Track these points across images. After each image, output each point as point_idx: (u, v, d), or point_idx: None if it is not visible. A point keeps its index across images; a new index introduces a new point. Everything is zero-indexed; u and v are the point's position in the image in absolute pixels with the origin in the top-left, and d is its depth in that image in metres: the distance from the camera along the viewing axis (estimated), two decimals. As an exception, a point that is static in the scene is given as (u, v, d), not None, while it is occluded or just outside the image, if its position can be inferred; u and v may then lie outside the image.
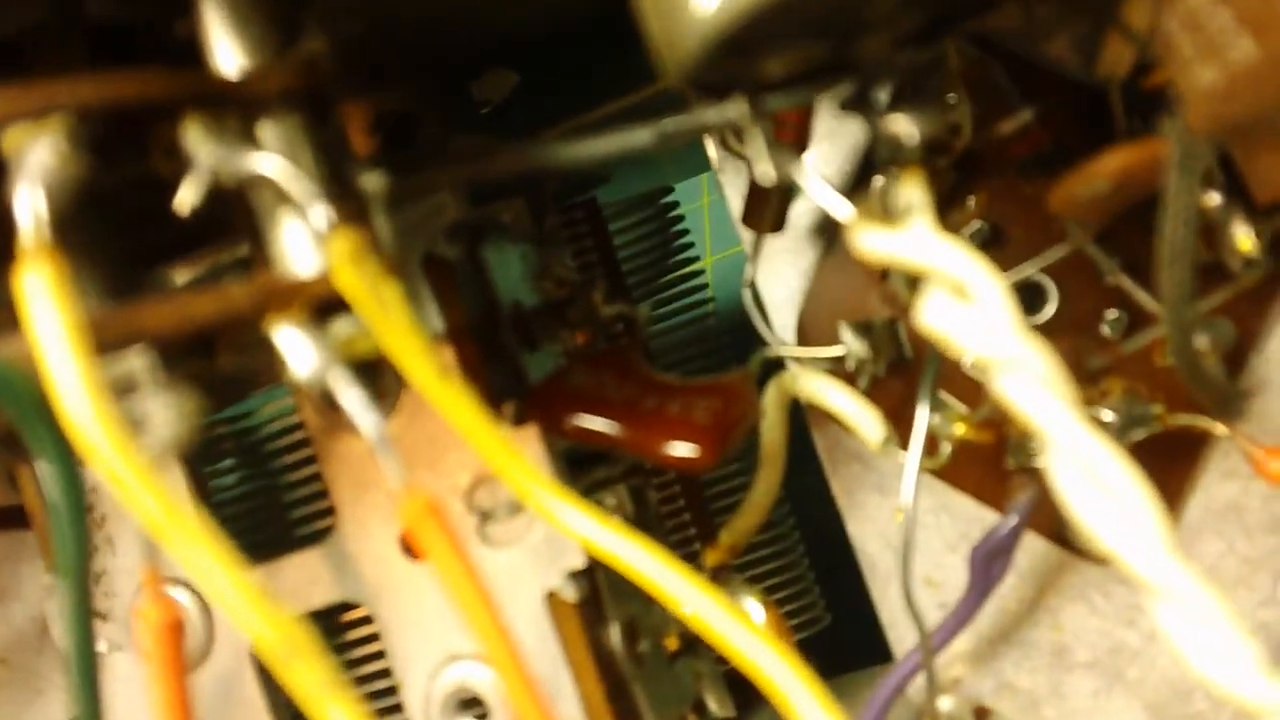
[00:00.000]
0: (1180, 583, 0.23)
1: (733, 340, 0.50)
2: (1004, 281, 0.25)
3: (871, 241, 0.26)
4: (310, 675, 0.22)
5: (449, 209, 0.36)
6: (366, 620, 0.38)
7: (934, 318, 0.25)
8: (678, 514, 0.47)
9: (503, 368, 0.38)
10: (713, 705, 0.41)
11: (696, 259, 0.51)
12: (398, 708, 0.36)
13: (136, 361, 0.24)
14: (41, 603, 0.43)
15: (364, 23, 0.31)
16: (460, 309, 0.36)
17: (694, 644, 0.40)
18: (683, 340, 0.51)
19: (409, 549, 0.36)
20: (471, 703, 0.36)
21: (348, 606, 0.38)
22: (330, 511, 0.38)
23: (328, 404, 0.37)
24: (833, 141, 0.40)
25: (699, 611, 0.25)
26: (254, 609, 0.22)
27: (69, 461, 0.26)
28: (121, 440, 0.22)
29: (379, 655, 0.37)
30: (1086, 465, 0.24)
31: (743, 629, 0.25)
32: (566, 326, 0.42)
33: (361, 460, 0.37)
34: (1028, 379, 0.24)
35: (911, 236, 0.26)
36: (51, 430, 0.25)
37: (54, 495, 0.27)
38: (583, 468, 0.39)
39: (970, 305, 0.25)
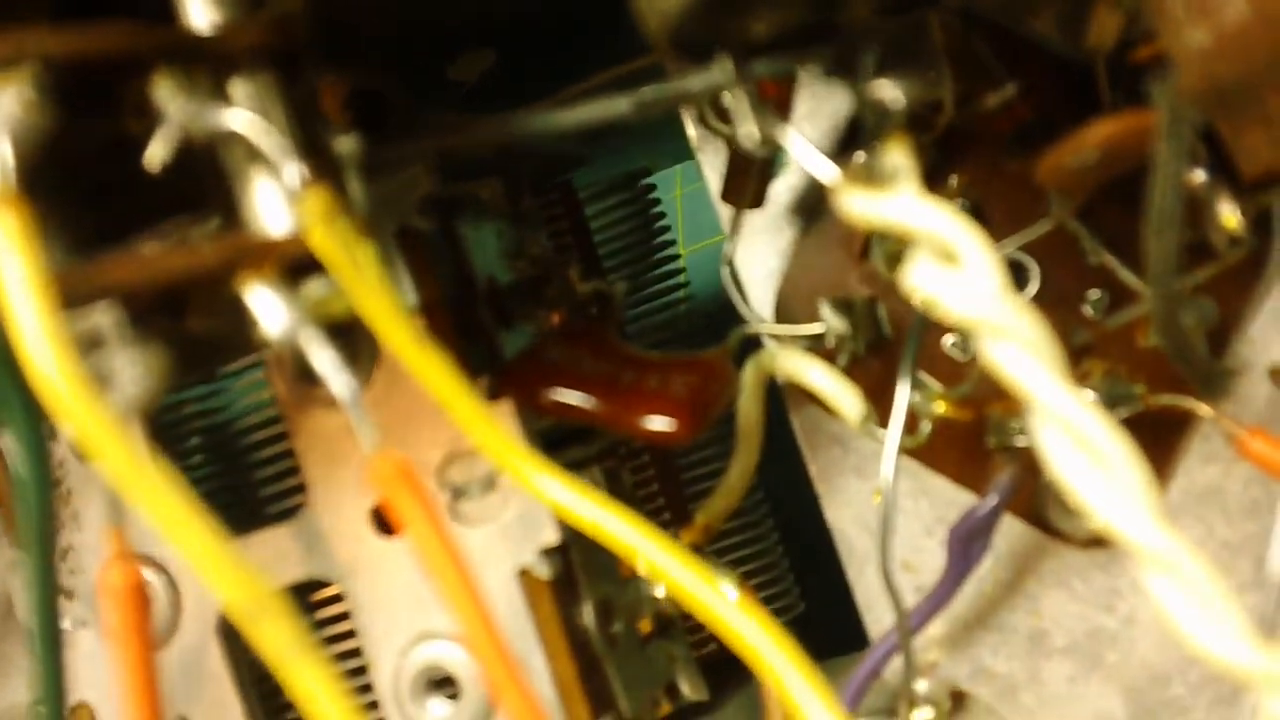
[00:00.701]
0: (1167, 548, 0.23)
1: (708, 326, 0.50)
2: (990, 246, 0.24)
3: (857, 204, 0.26)
4: (279, 634, 0.21)
5: (423, 182, 0.36)
6: (336, 599, 0.37)
7: (920, 281, 0.25)
8: (652, 498, 0.46)
9: (477, 343, 0.38)
10: (685, 689, 0.41)
11: (672, 242, 0.51)
12: (368, 689, 0.36)
13: (104, 317, 0.24)
14: (5, 580, 0.42)
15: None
16: (434, 282, 0.36)
17: (668, 627, 0.40)
18: (657, 325, 0.51)
19: (381, 525, 0.35)
20: (442, 683, 0.35)
21: (317, 586, 0.37)
22: (301, 489, 0.37)
23: (300, 375, 0.37)
24: (812, 122, 0.40)
25: (670, 573, 0.25)
26: (222, 567, 0.21)
27: (36, 427, 0.26)
28: (86, 391, 0.21)
29: (349, 635, 0.37)
30: (1073, 431, 0.24)
31: (714, 591, 0.25)
32: (542, 305, 0.41)
33: (333, 435, 0.36)
34: (1014, 344, 0.24)
35: (898, 200, 0.25)
36: (19, 393, 0.24)
37: (19, 464, 0.26)
38: (557, 448, 0.38)
39: (957, 269, 0.24)
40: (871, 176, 0.28)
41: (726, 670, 0.43)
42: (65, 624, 0.38)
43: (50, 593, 0.29)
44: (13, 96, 0.23)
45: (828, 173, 0.27)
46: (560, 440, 0.38)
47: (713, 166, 0.40)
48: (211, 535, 0.21)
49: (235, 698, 0.37)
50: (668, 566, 0.25)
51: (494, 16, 0.40)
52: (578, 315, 0.42)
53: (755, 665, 0.25)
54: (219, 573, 0.21)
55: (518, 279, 0.41)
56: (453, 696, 0.35)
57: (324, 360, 0.25)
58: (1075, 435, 0.24)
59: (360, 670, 0.36)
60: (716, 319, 0.46)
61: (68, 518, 0.39)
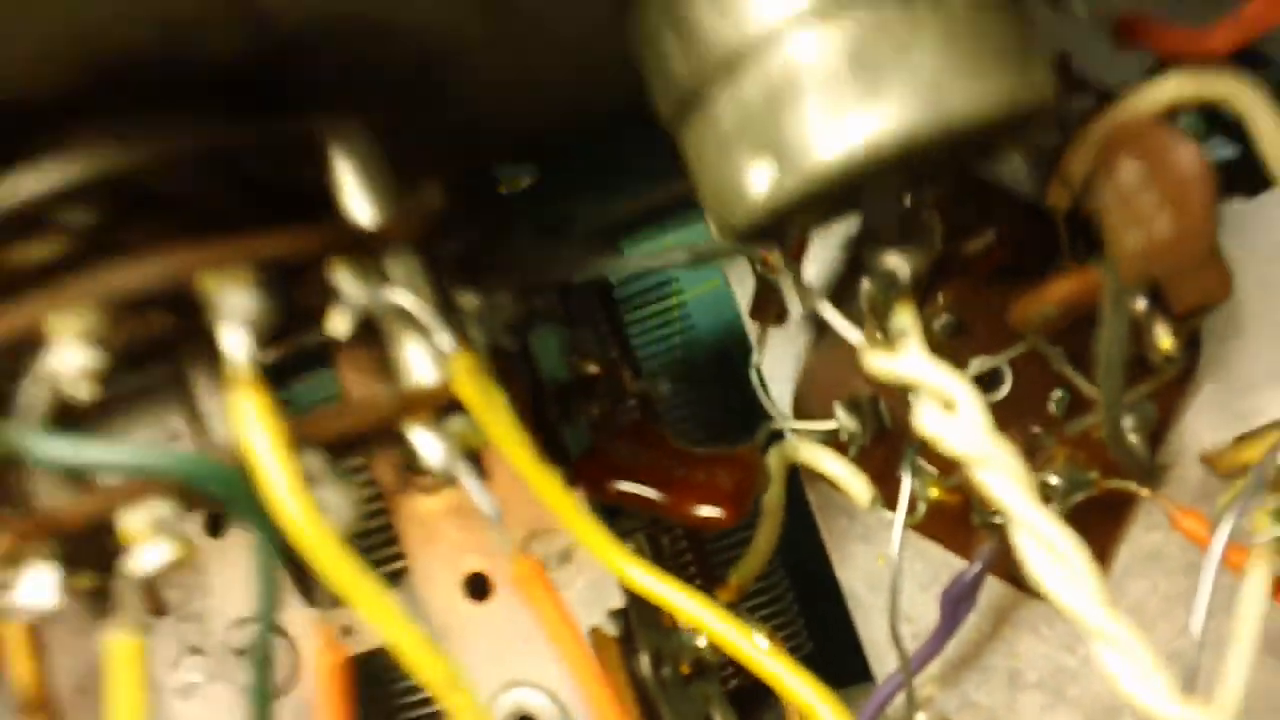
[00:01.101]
0: (1111, 628, 0.31)
1: (709, 360, 0.58)
2: (981, 398, 0.32)
3: (877, 362, 0.34)
4: (466, 702, 0.29)
5: (508, 307, 0.43)
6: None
7: (927, 424, 0.33)
8: (683, 552, 0.54)
9: (549, 440, 0.45)
10: (720, 721, 0.48)
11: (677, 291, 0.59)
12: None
13: (312, 459, 0.31)
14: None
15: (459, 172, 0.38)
16: (521, 394, 0.43)
17: (704, 669, 0.47)
18: (665, 359, 0.58)
19: (473, 592, 0.43)
20: (526, 721, 0.42)
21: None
22: (399, 558, 0.44)
23: (403, 465, 0.44)
24: (821, 240, 0.47)
25: (731, 640, 0.33)
26: (424, 652, 0.29)
27: (271, 535, 0.32)
28: (323, 528, 0.29)
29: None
30: (1042, 540, 0.32)
31: (766, 655, 0.33)
32: (594, 399, 0.48)
33: (431, 517, 0.43)
34: (999, 474, 0.32)
35: (908, 360, 0.33)
36: (259, 514, 0.30)
37: (257, 560, 0.33)
38: (611, 518, 0.45)
39: (954, 415, 0.32)
40: (874, 316, 0.35)
41: (750, 700, 0.50)
42: (197, 678, 0.45)
43: (268, 659, 0.34)
44: (246, 296, 0.30)
45: (853, 336, 0.34)
46: (612, 510, 0.46)
47: (741, 285, 0.48)
48: (412, 627, 0.29)
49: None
50: (726, 634, 0.33)
51: (537, 132, 0.47)
52: (621, 406, 0.50)
53: (790, 703, 0.33)
54: (421, 657, 0.29)
55: (574, 376, 0.48)
56: (537, 735, 0.42)
57: (475, 489, 0.32)
58: (1044, 543, 0.32)
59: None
60: (716, 352, 0.54)
61: (193, 585, 0.45)
